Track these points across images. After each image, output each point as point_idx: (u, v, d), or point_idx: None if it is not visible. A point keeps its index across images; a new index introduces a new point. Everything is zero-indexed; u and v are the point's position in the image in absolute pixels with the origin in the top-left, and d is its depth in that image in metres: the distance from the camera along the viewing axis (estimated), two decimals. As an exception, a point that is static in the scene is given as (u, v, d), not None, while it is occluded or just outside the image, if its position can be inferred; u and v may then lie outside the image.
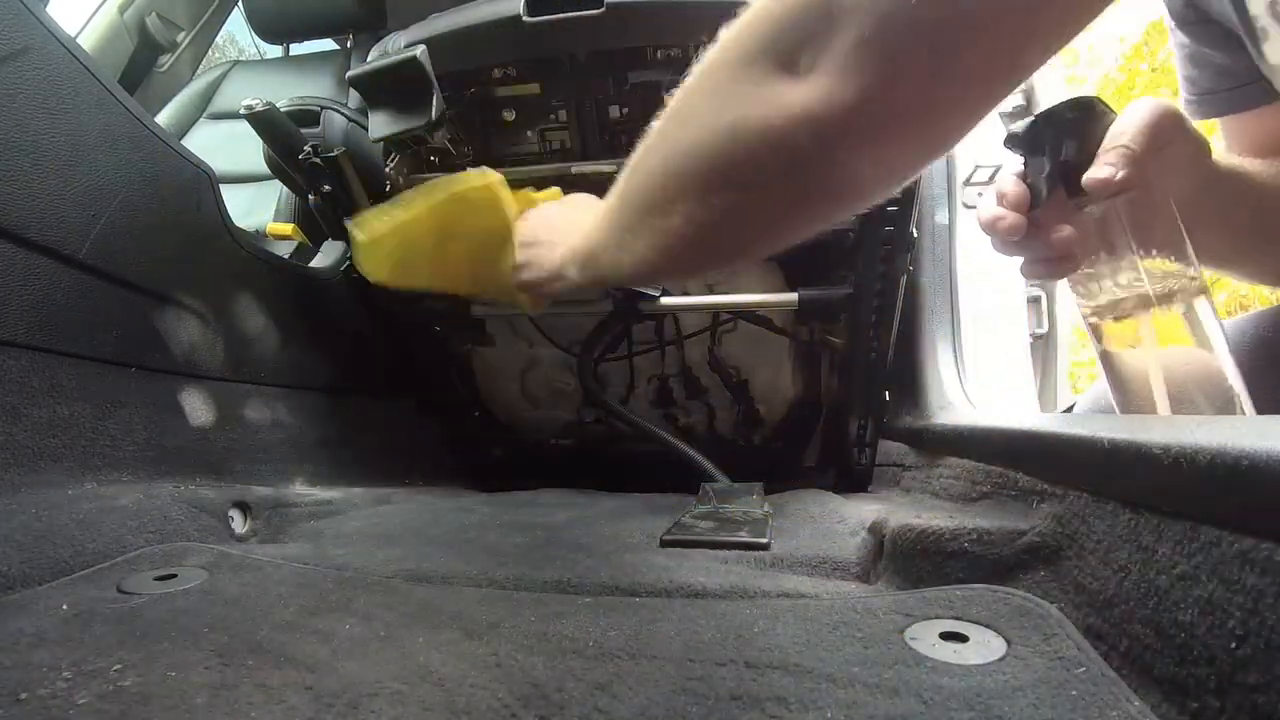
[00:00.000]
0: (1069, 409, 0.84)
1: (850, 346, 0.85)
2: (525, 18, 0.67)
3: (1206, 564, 0.26)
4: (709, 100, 0.37)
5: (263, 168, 0.88)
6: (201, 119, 1.60)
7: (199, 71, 1.77)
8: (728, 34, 0.36)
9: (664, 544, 0.56)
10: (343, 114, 0.84)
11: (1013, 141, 0.52)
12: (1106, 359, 0.51)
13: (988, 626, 0.33)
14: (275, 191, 1.30)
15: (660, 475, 0.87)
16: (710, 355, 0.98)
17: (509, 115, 0.77)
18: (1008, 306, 1.08)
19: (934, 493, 0.64)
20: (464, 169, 0.78)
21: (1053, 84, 1.27)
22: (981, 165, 1.04)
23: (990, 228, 0.51)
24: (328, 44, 1.82)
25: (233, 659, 0.33)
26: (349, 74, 0.70)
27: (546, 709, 0.29)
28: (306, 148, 0.76)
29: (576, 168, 0.76)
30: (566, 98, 0.76)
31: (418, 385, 1.02)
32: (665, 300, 0.81)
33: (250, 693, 0.30)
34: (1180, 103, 0.62)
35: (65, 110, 0.55)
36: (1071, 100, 0.50)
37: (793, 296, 0.79)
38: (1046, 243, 0.51)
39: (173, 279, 0.67)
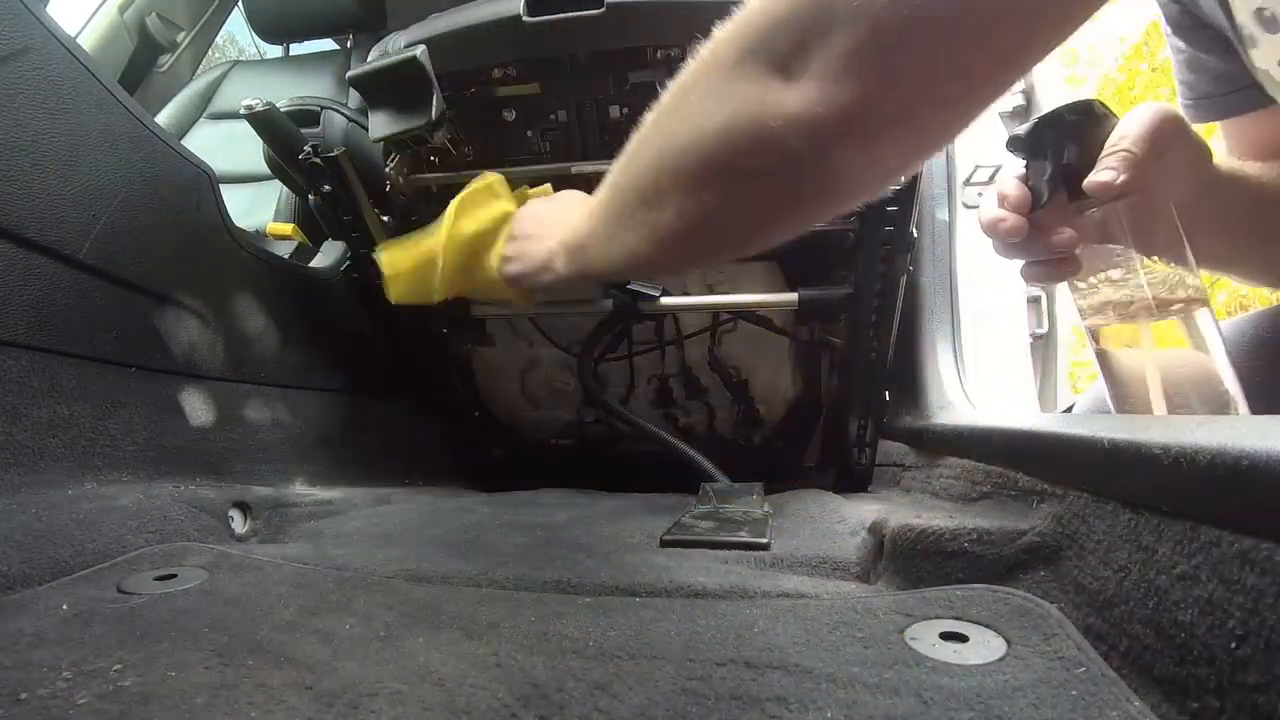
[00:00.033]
0: (1069, 409, 0.84)
1: (850, 346, 0.85)
2: (525, 18, 0.67)
3: (1206, 564, 0.26)
4: (703, 98, 0.37)
5: (263, 168, 0.88)
6: (201, 119, 1.60)
7: (199, 71, 1.77)
8: (723, 31, 0.36)
9: (664, 544, 0.56)
10: (343, 114, 0.84)
11: (1014, 144, 0.52)
12: (1103, 358, 0.51)
13: (988, 626, 0.33)
14: (275, 191, 1.30)
15: (660, 475, 0.87)
16: (710, 355, 0.98)
17: (509, 115, 0.77)
18: (1008, 306, 1.08)
19: (934, 493, 0.64)
20: (464, 169, 0.78)
21: (1053, 84, 1.27)
22: (981, 165, 1.05)
23: (991, 229, 0.52)
24: (328, 44, 1.82)
25: (233, 659, 0.33)
26: (349, 74, 0.70)
27: (546, 709, 0.29)
28: (306, 148, 0.76)
29: (576, 168, 0.76)
30: (566, 98, 0.76)
31: (418, 385, 1.02)
32: (665, 300, 0.81)
33: (250, 693, 0.30)
34: (1179, 107, 0.63)
35: (65, 110, 0.55)
36: (1073, 104, 0.50)
37: (793, 296, 0.79)
38: (1047, 245, 0.51)
39: (173, 279, 0.67)
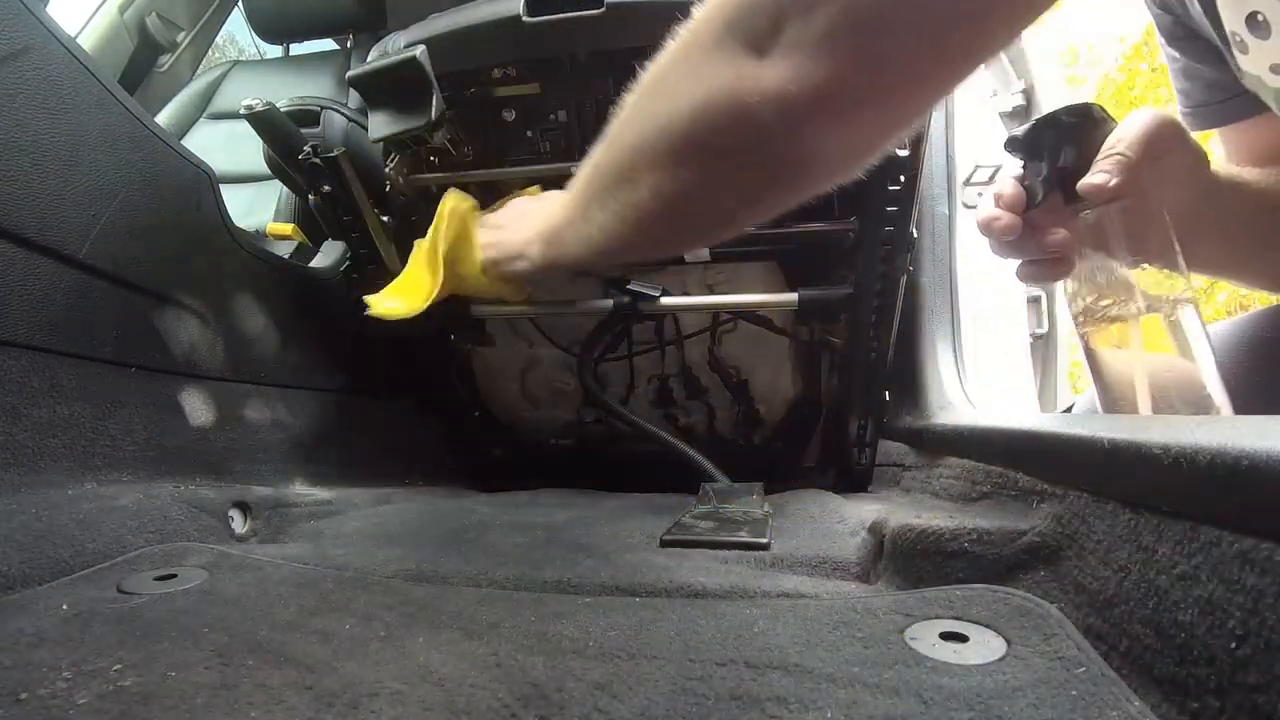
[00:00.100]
0: (1069, 409, 0.84)
1: (850, 346, 0.85)
2: (525, 18, 0.67)
3: (1206, 564, 0.26)
4: (683, 75, 0.38)
5: (263, 168, 0.88)
6: (201, 119, 1.60)
7: (199, 71, 1.77)
8: (703, 11, 0.37)
9: (664, 544, 0.56)
10: (343, 114, 0.84)
11: (1012, 145, 0.53)
12: (1092, 358, 0.52)
13: (988, 626, 0.33)
14: (275, 191, 1.30)
15: (660, 475, 0.87)
16: (710, 355, 0.98)
17: (509, 115, 0.77)
18: (1008, 306, 1.08)
19: (934, 493, 0.64)
20: (464, 169, 0.78)
21: (1053, 84, 1.27)
22: (981, 165, 1.05)
23: (986, 228, 0.52)
24: (328, 44, 1.83)
25: (233, 659, 0.33)
26: (349, 74, 0.70)
27: (546, 709, 0.29)
28: (306, 148, 0.76)
29: (576, 168, 0.76)
30: (566, 98, 0.76)
31: (418, 385, 1.02)
32: (665, 300, 0.81)
33: (250, 693, 0.30)
34: (1177, 114, 0.63)
35: (65, 110, 0.55)
36: (1071, 106, 0.51)
37: (793, 296, 0.79)
38: (1041, 245, 0.51)
39: (173, 279, 0.67)
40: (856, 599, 0.39)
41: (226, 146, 1.43)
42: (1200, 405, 0.45)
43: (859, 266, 0.76)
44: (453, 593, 0.44)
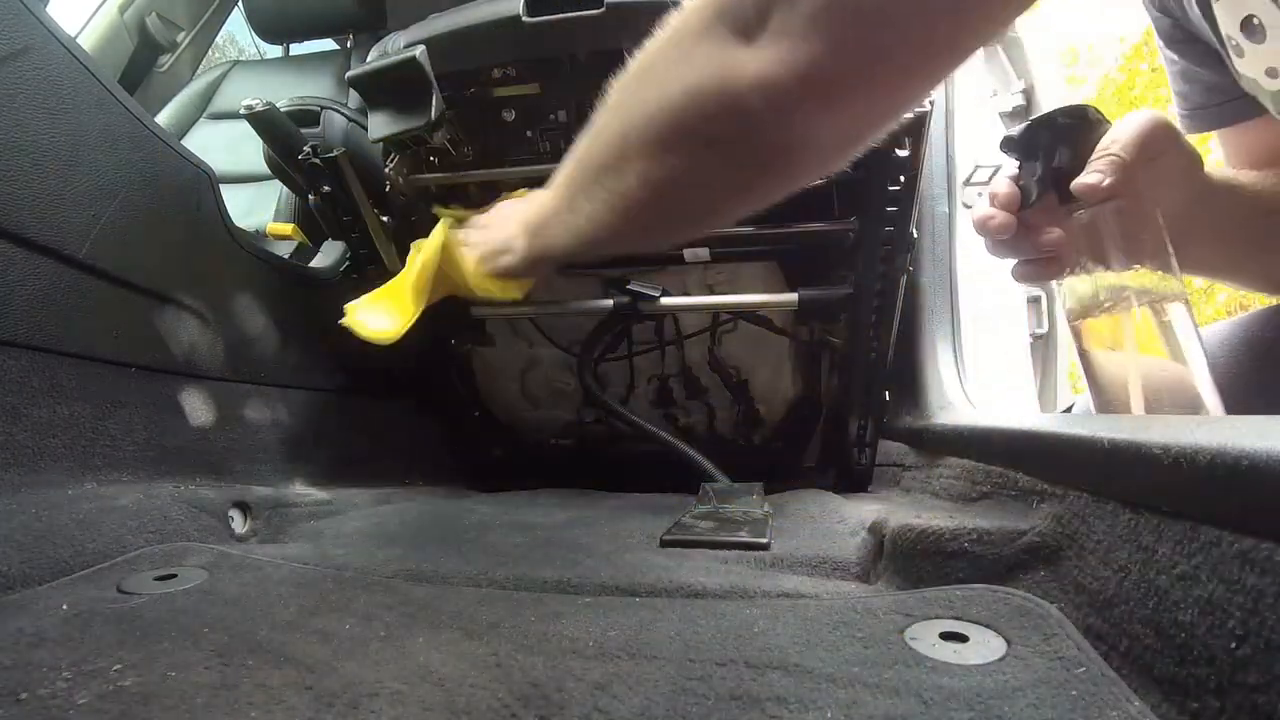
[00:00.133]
0: (1069, 409, 0.84)
1: (850, 346, 0.85)
2: (525, 18, 0.67)
3: (1206, 564, 0.26)
4: (671, 62, 0.38)
5: (263, 168, 0.88)
6: (201, 119, 1.60)
7: (199, 71, 1.77)
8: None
9: (664, 544, 0.56)
10: (343, 114, 0.84)
11: (1008, 145, 0.53)
12: (1086, 360, 0.52)
13: (988, 626, 0.33)
14: (275, 191, 1.30)
15: (660, 475, 0.87)
16: (710, 355, 0.98)
17: (509, 115, 0.77)
18: (1008, 306, 1.08)
19: (934, 493, 0.64)
20: (464, 169, 0.78)
21: (1053, 84, 1.27)
22: (981, 165, 1.05)
23: (981, 226, 0.53)
24: (328, 44, 1.83)
25: (233, 659, 0.33)
26: (348, 74, 0.70)
27: (546, 709, 0.29)
28: (306, 148, 0.76)
29: None
30: (566, 98, 0.76)
31: (418, 385, 1.02)
32: (665, 300, 0.81)
33: (250, 693, 0.30)
34: (1175, 117, 0.64)
35: (65, 110, 0.55)
36: (1067, 108, 0.52)
37: (793, 296, 0.79)
38: (1035, 244, 0.52)
39: (173, 279, 0.67)
40: (856, 599, 0.39)
41: (226, 146, 1.43)
42: (1191, 407, 0.46)
43: (859, 266, 0.76)
44: (453, 593, 0.44)
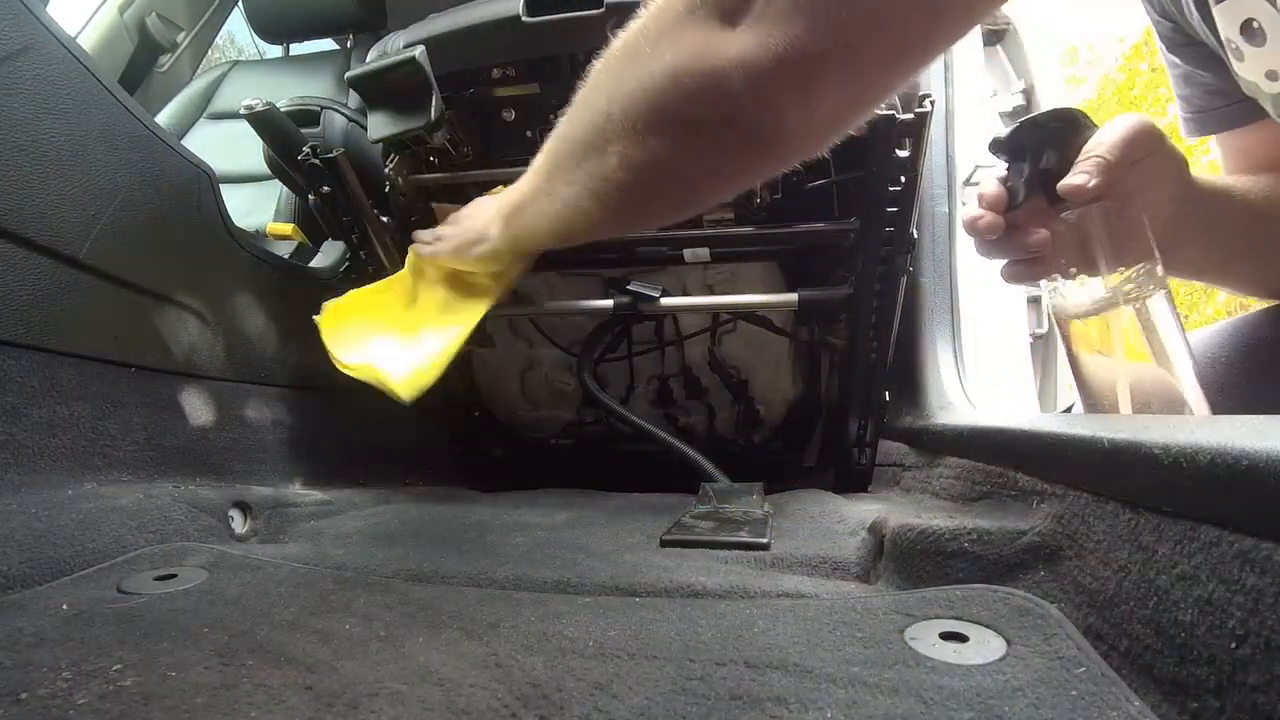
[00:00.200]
0: (1069, 409, 0.84)
1: (850, 346, 0.85)
2: (525, 18, 0.67)
3: (1206, 564, 0.26)
4: (653, 44, 0.38)
5: (263, 168, 0.88)
6: (201, 119, 1.60)
7: (199, 71, 1.77)
8: None
9: (664, 544, 0.56)
10: (343, 114, 0.84)
11: (996, 146, 0.54)
12: (1075, 363, 0.53)
13: (988, 626, 0.33)
14: (275, 191, 1.30)
15: (660, 475, 0.87)
16: (710, 355, 0.98)
17: (508, 115, 0.77)
18: (1008, 306, 1.08)
19: (934, 493, 0.64)
20: (463, 169, 0.78)
21: (1053, 84, 1.27)
22: (981, 166, 1.05)
23: (970, 226, 0.54)
24: (328, 44, 1.83)
25: (233, 659, 0.33)
26: (348, 74, 0.70)
27: (546, 709, 0.29)
28: (306, 148, 0.76)
29: None
30: (566, 97, 0.75)
31: (418, 385, 1.02)
32: (665, 301, 0.81)
33: (250, 693, 0.30)
34: (1178, 120, 0.64)
35: (65, 110, 0.55)
36: (1055, 111, 0.53)
37: (793, 297, 0.79)
38: (1023, 245, 0.53)
39: (173, 279, 0.67)
40: (856, 599, 0.39)
41: (226, 146, 1.43)
42: (1175, 408, 0.46)
43: (859, 267, 0.76)
44: (453, 593, 0.44)
